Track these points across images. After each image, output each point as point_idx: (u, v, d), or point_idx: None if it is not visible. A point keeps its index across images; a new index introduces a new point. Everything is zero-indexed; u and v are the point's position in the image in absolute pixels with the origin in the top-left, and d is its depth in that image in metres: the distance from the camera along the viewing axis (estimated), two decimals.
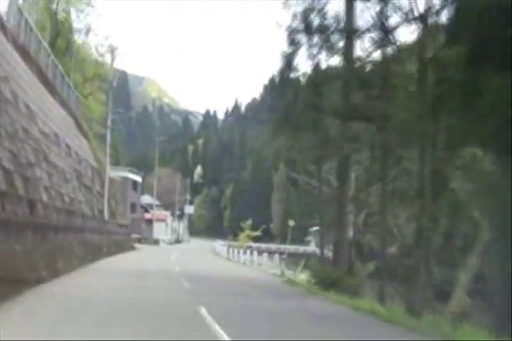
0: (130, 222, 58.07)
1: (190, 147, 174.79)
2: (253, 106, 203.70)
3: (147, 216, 73.82)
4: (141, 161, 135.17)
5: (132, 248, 45.91)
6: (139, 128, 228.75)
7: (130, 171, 69.21)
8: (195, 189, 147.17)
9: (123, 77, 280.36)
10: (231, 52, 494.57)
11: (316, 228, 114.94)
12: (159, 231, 73.41)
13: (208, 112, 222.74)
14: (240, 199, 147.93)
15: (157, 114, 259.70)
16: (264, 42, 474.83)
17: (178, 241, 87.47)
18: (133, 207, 67.31)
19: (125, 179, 63.34)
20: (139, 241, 59.66)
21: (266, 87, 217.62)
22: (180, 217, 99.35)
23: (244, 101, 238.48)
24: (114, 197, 43.85)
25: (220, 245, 59.32)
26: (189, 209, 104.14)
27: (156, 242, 66.68)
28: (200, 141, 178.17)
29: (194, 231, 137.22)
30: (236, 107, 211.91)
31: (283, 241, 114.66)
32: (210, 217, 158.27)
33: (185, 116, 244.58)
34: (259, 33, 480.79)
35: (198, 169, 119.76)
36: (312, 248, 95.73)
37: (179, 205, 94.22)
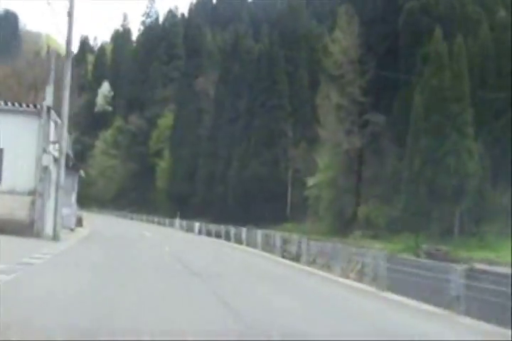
0: None
1: (91, 57, 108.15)
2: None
3: None
4: None
5: None
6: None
7: None
8: (99, 121, 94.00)
9: (11, 18, 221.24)
10: None
11: None
12: None
13: (117, 32, 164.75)
14: (189, 135, 76.03)
15: (54, 65, 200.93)
16: None
17: None
18: None
19: None
20: None
21: None
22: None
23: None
24: None
25: None
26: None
27: None
28: (109, 48, 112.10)
29: (92, 198, 77.70)
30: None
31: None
32: (127, 173, 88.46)
33: None
34: None
35: (105, 86, 73.04)
36: None
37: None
